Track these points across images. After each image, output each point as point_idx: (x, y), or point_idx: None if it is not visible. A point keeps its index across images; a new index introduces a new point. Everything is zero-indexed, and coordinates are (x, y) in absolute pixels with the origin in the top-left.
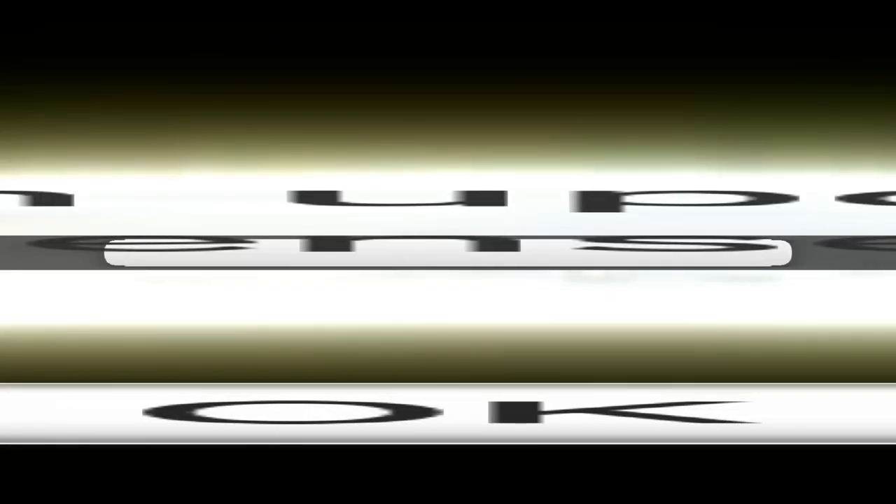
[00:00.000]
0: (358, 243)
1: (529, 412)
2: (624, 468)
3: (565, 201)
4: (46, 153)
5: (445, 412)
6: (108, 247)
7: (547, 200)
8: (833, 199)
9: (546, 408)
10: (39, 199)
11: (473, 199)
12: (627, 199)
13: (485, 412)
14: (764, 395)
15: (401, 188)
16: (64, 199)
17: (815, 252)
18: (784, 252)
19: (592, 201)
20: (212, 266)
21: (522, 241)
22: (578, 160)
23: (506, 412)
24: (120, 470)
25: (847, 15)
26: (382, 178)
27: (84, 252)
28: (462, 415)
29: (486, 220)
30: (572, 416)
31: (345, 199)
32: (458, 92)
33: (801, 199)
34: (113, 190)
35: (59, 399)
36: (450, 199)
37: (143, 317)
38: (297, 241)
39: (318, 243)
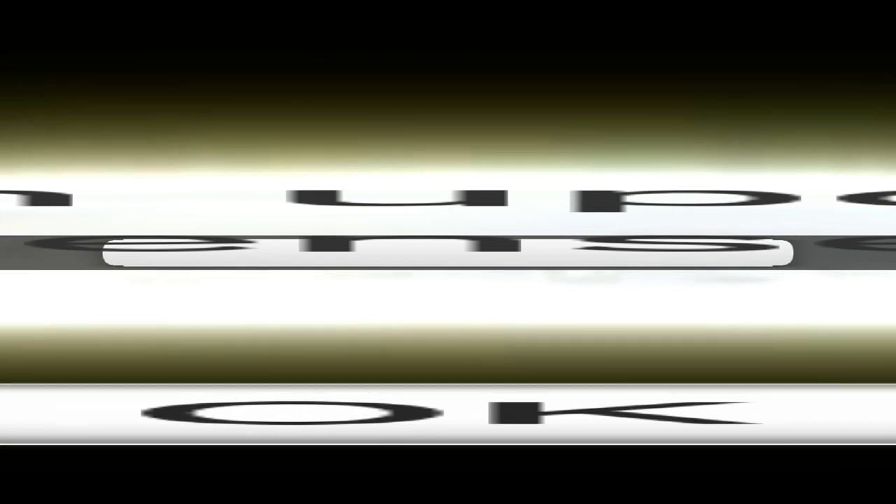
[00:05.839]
0: (358, 243)
1: (530, 413)
2: (625, 469)
3: (565, 201)
4: (45, 153)
5: (445, 413)
6: (106, 247)
7: (547, 200)
8: (834, 198)
9: (546, 408)
10: (38, 198)
11: (473, 198)
12: (627, 199)
13: (485, 413)
14: (764, 395)
15: (401, 188)
16: (62, 199)
17: (816, 252)
18: (785, 252)
19: (592, 201)
20: (211, 266)
21: (522, 241)
22: (578, 160)
23: (506, 413)
24: (119, 471)
25: (848, 12)
26: (382, 178)
27: (82, 252)
28: (462, 415)
29: (486, 220)
30: (573, 417)
31: (344, 198)
32: (458, 92)
33: (802, 198)
34: (111, 190)
35: (58, 399)
36: (450, 199)
37: (142, 317)
38: (297, 240)
39: (318, 243)
